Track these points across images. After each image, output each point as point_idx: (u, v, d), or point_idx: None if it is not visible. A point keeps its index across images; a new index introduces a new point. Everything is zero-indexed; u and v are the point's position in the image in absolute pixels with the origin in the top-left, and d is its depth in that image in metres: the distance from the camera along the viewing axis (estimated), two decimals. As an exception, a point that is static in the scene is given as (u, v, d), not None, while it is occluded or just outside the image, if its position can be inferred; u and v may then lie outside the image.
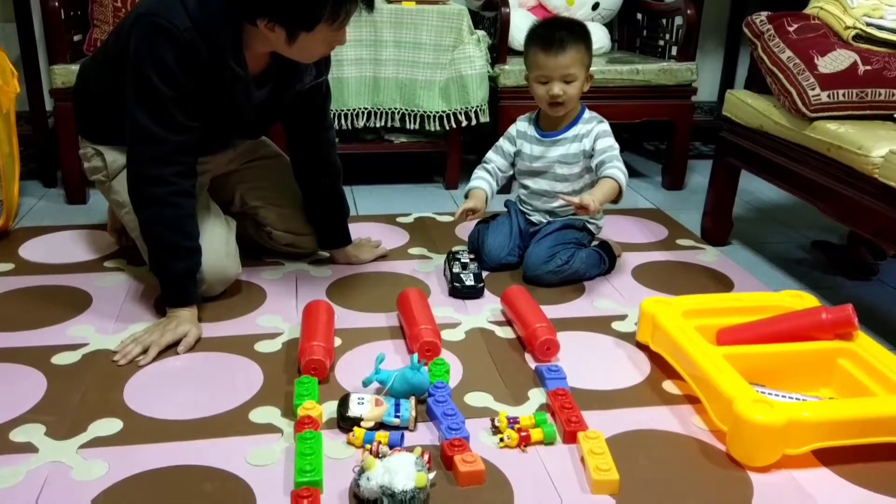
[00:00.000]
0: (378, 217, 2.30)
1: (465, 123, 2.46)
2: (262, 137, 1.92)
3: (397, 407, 1.27)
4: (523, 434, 1.23)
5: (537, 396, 1.38)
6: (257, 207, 1.90)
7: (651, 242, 2.17)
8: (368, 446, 1.19)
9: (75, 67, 2.07)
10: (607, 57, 2.74)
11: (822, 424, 1.19)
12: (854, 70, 1.76)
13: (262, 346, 1.53)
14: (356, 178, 2.59)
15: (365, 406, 1.26)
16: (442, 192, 2.60)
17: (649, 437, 1.28)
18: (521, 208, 1.98)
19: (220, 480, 1.14)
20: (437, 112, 2.46)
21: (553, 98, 1.80)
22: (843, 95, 1.74)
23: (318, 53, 1.54)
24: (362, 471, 1.08)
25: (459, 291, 1.76)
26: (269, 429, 1.27)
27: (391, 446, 1.19)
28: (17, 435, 1.23)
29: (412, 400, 1.30)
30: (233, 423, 1.28)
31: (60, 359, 1.46)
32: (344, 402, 1.28)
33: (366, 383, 1.34)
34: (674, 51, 2.69)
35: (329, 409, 1.30)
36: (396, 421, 1.26)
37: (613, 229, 2.17)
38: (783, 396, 1.33)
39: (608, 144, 1.82)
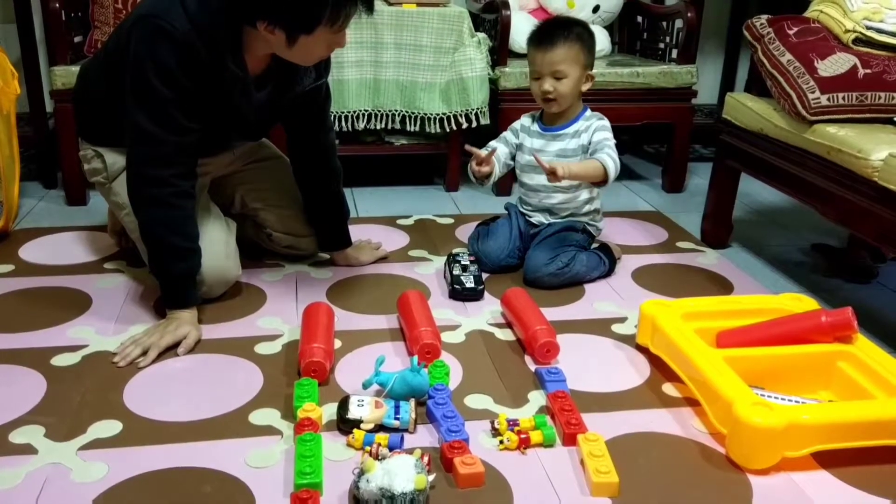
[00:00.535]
0: (378, 219, 2.30)
1: (465, 125, 2.47)
2: (262, 139, 1.92)
3: (397, 409, 1.27)
4: (523, 436, 1.23)
5: (537, 399, 1.38)
6: (257, 209, 1.90)
7: (651, 245, 2.17)
8: (368, 448, 1.19)
9: (76, 69, 2.07)
10: (607, 59, 2.74)
11: (821, 427, 1.19)
12: (854, 73, 1.76)
13: (262, 348, 1.53)
14: (356, 180, 2.59)
15: (365, 408, 1.26)
16: (442, 194, 2.60)
17: (649, 439, 1.28)
18: (522, 209, 1.98)
19: (219, 482, 1.14)
20: (438, 114, 2.46)
21: (544, 94, 1.81)
22: (843, 99, 1.74)
23: (317, 56, 1.54)
24: (362, 473, 1.08)
25: (459, 293, 1.77)
26: (269, 431, 1.27)
27: (391, 448, 1.19)
28: (17, 436, 1.23)
29: (412, 402, 1.30)
30: (232, 424, 1.28)
31: (60, 360, 1.46)
32: (344, 404, 1.27)
33: (366, 385, 1.34)
34: (674, 53, 2.69)
35: (329, 411, 1.30)
36: (396, 423, 1.25)
37: (613, 231, 2.17)
38: (783, 399, 1.33)
39: (604, 136, 1.84)
